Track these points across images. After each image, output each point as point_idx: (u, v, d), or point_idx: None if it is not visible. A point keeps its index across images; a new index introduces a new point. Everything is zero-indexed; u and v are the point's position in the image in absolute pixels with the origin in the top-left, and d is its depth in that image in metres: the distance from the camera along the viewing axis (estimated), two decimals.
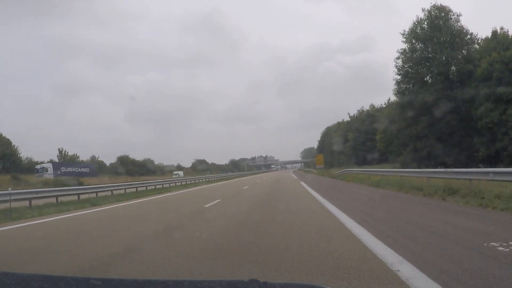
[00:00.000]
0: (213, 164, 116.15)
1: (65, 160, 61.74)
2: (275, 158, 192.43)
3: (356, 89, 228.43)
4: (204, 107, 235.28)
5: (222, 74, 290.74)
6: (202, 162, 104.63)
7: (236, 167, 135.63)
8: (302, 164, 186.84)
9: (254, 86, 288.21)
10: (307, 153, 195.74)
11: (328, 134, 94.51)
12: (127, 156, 75.29)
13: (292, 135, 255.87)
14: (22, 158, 58.80)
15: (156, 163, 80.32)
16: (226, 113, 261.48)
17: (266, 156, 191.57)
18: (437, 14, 34.45)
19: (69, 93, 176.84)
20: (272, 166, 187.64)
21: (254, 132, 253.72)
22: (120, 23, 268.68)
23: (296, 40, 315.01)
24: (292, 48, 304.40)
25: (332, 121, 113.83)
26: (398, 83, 36.55)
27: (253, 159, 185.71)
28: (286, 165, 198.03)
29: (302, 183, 27.44)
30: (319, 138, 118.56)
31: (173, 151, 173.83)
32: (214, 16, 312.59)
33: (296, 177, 42.29)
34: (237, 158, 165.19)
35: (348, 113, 76.35)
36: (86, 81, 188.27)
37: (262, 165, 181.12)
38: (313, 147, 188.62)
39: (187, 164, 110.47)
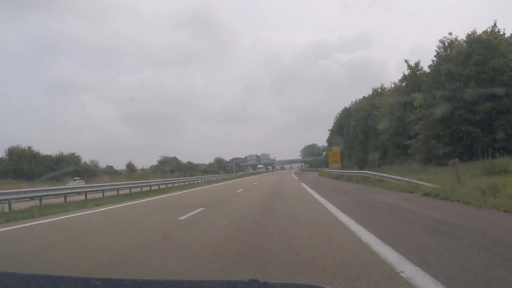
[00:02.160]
0: (189, 163, 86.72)
1: None
2: (271, 157, 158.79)
3: (355, 87, 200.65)
4: (197, 106, 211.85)
5: (215, 73, 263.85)
6: (171, 160, 74.94)
7: (223, 167, 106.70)
8: (303, 164, 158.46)
9: (250, 85, 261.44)
10: (308, 151, 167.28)
11: (350, 116, 62.87)
12: (30, 148, 45.65)
13: (290, 134, 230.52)
14: None
15: (84, 161, 50.67)
16: (220, 112, 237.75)
17: (261, 154, 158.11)
18: None
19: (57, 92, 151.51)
20: (259, 166, 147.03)
21: (251, 131, 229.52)
22: (110, 19, 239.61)
23: (291, 37, 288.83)
24: (288, 46, 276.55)
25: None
26: None
27: (246, 158, 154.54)
28: (284, 165, 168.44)
29: None
30: (330, 127, 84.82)
31: (167, 151, 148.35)
32: (206, 13, 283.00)
33: None
34: (233, 157, 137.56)
35: (406, 60, 41.76)
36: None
37: (251, 165, 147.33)
38: (316, 144, 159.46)
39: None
